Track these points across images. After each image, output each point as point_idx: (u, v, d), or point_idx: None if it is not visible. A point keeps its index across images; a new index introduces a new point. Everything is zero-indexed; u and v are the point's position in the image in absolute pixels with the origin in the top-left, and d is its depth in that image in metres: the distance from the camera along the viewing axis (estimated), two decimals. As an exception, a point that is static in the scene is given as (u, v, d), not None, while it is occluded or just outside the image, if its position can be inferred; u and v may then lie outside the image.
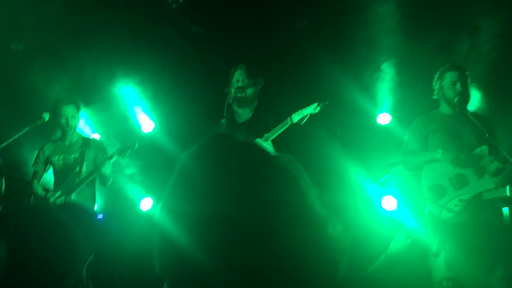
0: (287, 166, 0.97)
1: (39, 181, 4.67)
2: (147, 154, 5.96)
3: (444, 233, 3.77)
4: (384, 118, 5.54)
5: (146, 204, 5.88)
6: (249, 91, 3.87)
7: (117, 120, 6.05)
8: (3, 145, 4.31)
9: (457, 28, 5.03)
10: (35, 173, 4.70)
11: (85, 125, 5.94)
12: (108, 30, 5.60)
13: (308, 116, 3.72)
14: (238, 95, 3.82)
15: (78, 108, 4.71)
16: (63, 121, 4.59)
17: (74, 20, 5.67)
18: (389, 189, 5.08)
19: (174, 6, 5.38)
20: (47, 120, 4.57)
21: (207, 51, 5.60)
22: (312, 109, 3.72)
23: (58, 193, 4.41)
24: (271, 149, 3.58)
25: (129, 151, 4.63)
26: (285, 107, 5.07)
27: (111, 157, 4.54)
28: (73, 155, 4.64)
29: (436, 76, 4.09)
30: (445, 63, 4.22)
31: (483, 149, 3.74)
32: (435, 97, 4.12)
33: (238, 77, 3.87)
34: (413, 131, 4.12)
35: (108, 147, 5.02)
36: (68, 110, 4.61)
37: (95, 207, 4.95)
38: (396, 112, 5.47)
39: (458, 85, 3.91)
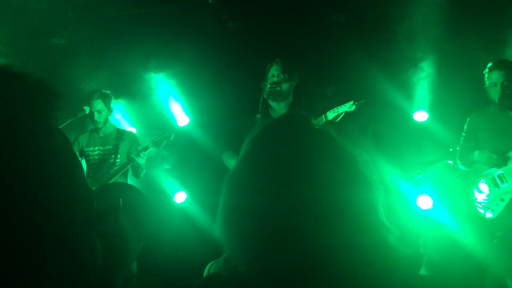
0: (360, 163, 0.96)
1: None
2: (182, 148, 6.04)
3: (485, 232, 3.71)
4: (421, 116, 5.43)
5: (180, 197, 5.98)
6: (284, 86, 3.87)
7: (153, 113, 6.16)
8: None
9: (504, 26, 4.87)
10: None
11: (122, 118, 6.07)
12: (146, 25, 5.70)
13: (343, 114, 3.69)
14: (273, 89, 3.82)
15: (106, 103, 4.74)
16: (90, 114, 4.68)
17: (114, 15, 5.79)
18: (425, 188, 5.00)
19: (210, 1, 5.42)
20: (88, 113, 4.67)
21: (243, 45, 5.63)
22: (347, 107, 3.70)
23: (94, 188, 4.46)
24: None
25: (165, 142, 4.69)
26: (321, 103, 5.05)
27: (146, 148, 4.60)
28: (107, 147, 4.70)
29: (485, 71, 4.04)
30: (488, 61, 4.13)
31: None
32: (489, 92, 4.06)
33: (274, 72, 3.88)
34: (465, 128, 4.14)
35: (144, 138, 5.10)
36: (95, 104, 4.67)
37: None
38: (434, 109, 5.36)
39: (498, 86, 3.86)
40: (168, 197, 5.98)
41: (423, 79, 5.27)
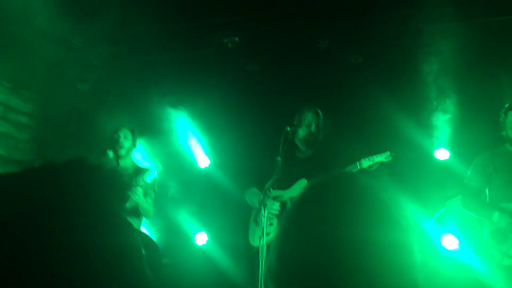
0: (393, 205, 1.02)
1: None
2: (203, 189, 6.08)
3: (507, 281, 3.57)
4: (442, 153, 5.38)
5: (201, 238, 5.96)
6: (319, 136, 3.92)
7: (174, 155, 6.24)
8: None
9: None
10: None
11: (143, 158, 6.17)
12: (169, 69, 5.87)
13: (379, 163, 3.68)
14: (310, 137, 3.85)
15: (132, 133, 4.73)
16: (115, 140, 4.58)
17: (137, 61, 5.98)
18: (449, 227, 4.89)
19: (230, 45, 5.56)
20: (111, 157, 4.65)
21: (262, 88, 5.72)
22: (384, 157, 3.69)
23: None
24: None
25: (147, 173, 4.42)
26: (343, 145, 5.08)
27: (136, 184, 4.38)
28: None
29: (502, 112, 3.96)
30: (508, 99, 4.09)
31: None
32: (503, 133, 3.97)
33: (312, 120, 3.91)
34: (476, 168, 3.99)
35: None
36: (122, 130, 4.66)
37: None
38: (455, 147, 5.31)
39: None
40: (189, 238, 5.98)
41: (445, 117, 5.25)
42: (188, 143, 6.24)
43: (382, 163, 3.65)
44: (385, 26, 5.38)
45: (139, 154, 6.09)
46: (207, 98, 5.86)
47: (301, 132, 3.83)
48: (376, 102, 5.45)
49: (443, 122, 5.28)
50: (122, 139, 4.58)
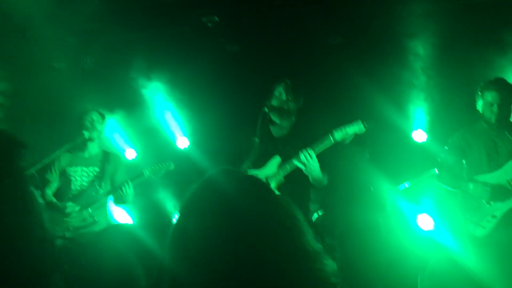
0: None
1: (52, 190, 4.46)
2: (182, 171, 6.05)
3: (480, 252, 3.67)
4: (419, 135, 5.45)
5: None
6: (291, 106, 3.85)
7: (152, 137, 6.19)
8: (44, 162, 4.33)
9: (496, 43, 4.93)
10: (48, 182, 4.46)
11: (120, 139, 6.10)
12: (145, 48, 5.76)
13: (353, 136, 3.56)
14: (279, 109, 3.79)
15: (101, 118, 4.55)
16: (87, 123, 4.42)
17: (114, 39, 5.86)
18: (425, 207, 4.97)
19: (209, 24, 5.49)
20: (81, 141, 4.46)
21: (241, 68, 5.67)
22: (356, 128, 3.57)
23: (78, 208, 4.24)
24: (317, 167, 3.55)
25: (164, 171, 4.46)
26: (319, 123, 5.08)
27: (140, 175, 4.37)
28: (91, 168, 4.43)
29: (478, 90, 4.02)
30: (484, 79, 4.14)
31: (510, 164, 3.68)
32: (478, 108, 4.03)
33: (281, 90, 3.85)
34: (451, 144, 4.08)
35: (142, 164, 5.03)
36: (91, 113, 4.48)
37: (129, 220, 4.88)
38: (433, 130, 5.38)
39: (495, 107, 3.84)
40: (168, 219, 5.96)
41: (423, 99, 5.30)
42: (167, 123, 6.19)
43: (356, 135, 3.53)
44: (365, 7, 5.37)
45: (117, 135, 6.03)
46: (185, 79, 5.80)
47: (273, 103, 3.77)
48: (355, 83, 5.47)
49: (421, 104, 5.34)
50: (88, 125, 4.41)
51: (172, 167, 4.50)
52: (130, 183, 4.25)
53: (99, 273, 1.31)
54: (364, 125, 3.55)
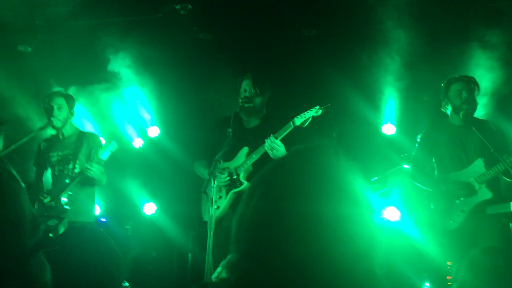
0: (347, 179, 1.03)
1: (41, 180, 4.38)
2: (151, 159, 6.00)
3: (448, 244, 3.79)
4: (388, 129, 5.55)
5: (149, 208, 5.92)
6: (257, 101, 3.86)
7: (121, 124, 6.11)
8: (11, 148, 4.23)
9: (463, 40, 5.05)
10: (37, 172, 4.40)
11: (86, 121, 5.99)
12: (116, 34, 5.65)
13: (310, 118, 3.71)
14: (246, 105, 3.80)
15: (68, 103, 4.32)
16: (48, 110, 4.23)
17: (83, 24, 5.72)
18: (392, 200, 5.09)
19: (182, 12, 5.42)
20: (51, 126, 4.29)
21: (214, 57, 5.63)
22: (314, 112, 3.71)
23: (48, 199, 4.07)
24: (282, 149, 3.61)
25: (108, 152, 4.15)
26: (292, 113, 5.11)
27: (91, 158, 4.16)
28: (66, 151, 4.27)
29: (443, 85, 4.10)
30: (452, 74, 4.23)
31: (478, 162, 3.79)
32: (442, 109, 4.13)
33: (245, 86, 3.86)
34: (420, 142, 4.15)
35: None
36: (56, 100, 4.25)
37: (96, 209, 4.69)
38: (402, 123, 5.48)
39: (464, 93, 3.93)
40: (137, 208, 5.92)
41: (392, 93, 5.39)
42: (137, 112, 6.12)
43: (313, 117, 3.69)
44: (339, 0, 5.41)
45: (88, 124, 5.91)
46: (157, 67, 5.73)
47: (240, 101, 3.80)
48: (326, 75, 5.51)
49: (390, 98, 5.43)
50: (55, 111, 4.21)
51: (115, 147, 4.19)
52: (92, 163, 4.04)
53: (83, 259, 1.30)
54: (320, 108, 3.67)
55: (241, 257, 0.98)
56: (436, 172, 4.07)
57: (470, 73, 4.35)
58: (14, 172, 0.84)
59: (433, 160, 4.08)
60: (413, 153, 4.25)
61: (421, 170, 4.08)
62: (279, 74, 5.52)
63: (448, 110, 4.07)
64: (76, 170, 4.19)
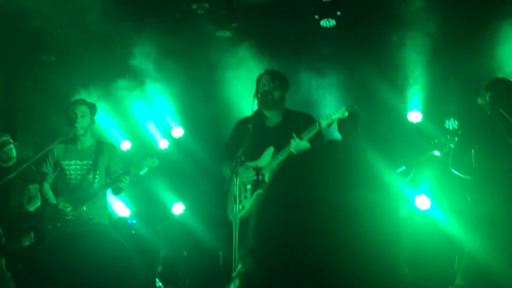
0: (374, 167, 1.01)
1: (49, 183, 4.37)
2: (177, 160, 6.05)
3: (480, 230, 3.70)
4: (415, 116, 5.45)
5: (178, 208, 5.98)
6: (276, 94, 3.89)
7: (146, 126, 6.18)
8: (38, 155, 4.32)
9: (496, 19, 4.89)
10: (45, 175, 4.39)
11: (115, 131, 6.08)
12: (137, 38, 5.70)
13: (335, 120, 3.70)
14: (265, 98, 3.84)
15: (91, 111, 4.37)
16: (72, 118, 4.25)
17: (103, 30, 5.79)
18: (422, 188, 5.00)
19: (199, 11, 5.43)
20: (71, 135, 4.29)
21: (234, 56, 5.60)
22: (340, 114, 3.70)
23: (70, 208, 4.14)
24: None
25: (147, 169, 4.28)
26: (315, 109, 5.07)
27: (128, 172, 4.20)
28: (85, 161, 4.29)
29: (484, 86, 4.02)
30: (476, 58, 4.13)
31: None
32: (480, 100, 4.05)
33: (264, 81, 3.91)
34: (462, 134, 4.10)
35: (137, 153, 4.96)
36: (80, 107, 4.28)
37: (117, 214, 4.74)
38: (428, 110, 5.37)
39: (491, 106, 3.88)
40: (166, 209, 5.98)
41: (418, 80, 5.28)
42: (161, 114, 6.17)
43: (339, 119, 3.68)
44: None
45: (111, 126, 6.00)
46: (179, 69, 5.75)
47: (259, 95, 3.83)
48: (349, 65, 5.45)
49: (416, 84, 5.32)
50: (79, 118, 4.24)
51: (156, 163, 4.32)
52: (122, 179, 4.13)
53: (95, 260, 1.29)
54: (347, 110, 3.64)
55: (262, 245, 0.96)
56: (473, 163, 4.00)
57: (502, 52, 4.22)
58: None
59: (472, 151, 4.02)
60: (452, 145, 4.20)
61: (461, 159, 4.03)
62: (303, 65, 5.49)
63: (485, 101, 4.00)
64: (96, 181, 4.25)
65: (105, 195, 4.38)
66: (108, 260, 1.29)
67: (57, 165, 4.35)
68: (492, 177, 3.77)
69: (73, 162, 4.31)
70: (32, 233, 4.83)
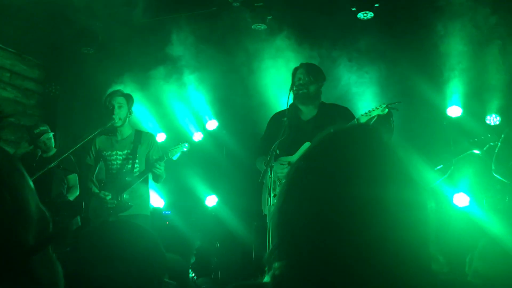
0: (406, 162, 0.98)
1: (93, 175, 4.47)
2: (211, 152, 6.09)
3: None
4: (454, 111, 5.29)
5: (211, 201, 6.02)
6: (312, 88, 3.84)
7: (181, 118, 6.23)
8: (77, 146, 4.42)
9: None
10: (90, 167, 4.50)
11: (150, 124, 6.17)
12: (173, 31, 5.75)
13: (376, 117, 3.61)
14: (300, 91, 3.80)
15: (128, 102, 4.45)
16: (110, 109, 4.34)
17: (140, 24, 5.87)
18: (461, 185, 4.87)
19: (234, 4, 5.42)
20: (109, 125, 4.39)
21: (269, 49, 5.57)
22: (380, 110, 3.61)
23: (109, 196, 4.25)
24: None
25: (179, 153, 4.38)
26: (352, 104, 4.99)
27: (161, 158, 4.31)
28: (125, 151, 4.39)
29: None
30: None
31: None
32: None
33: (299, 75, 3.86)
34: (504, 137, 3.97)
35: (174, 142, 4.98)
36: (117, 99, 4.37)
37: (151, 204, 4.80)
38: (468, 105, 5.21)
39: None
40: (200, 201, 6.03)
41: (457, 74, 5.13)
42: (196, 106, 6.22)
43: (379, 116, 3.58)
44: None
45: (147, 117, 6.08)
46: (214, 62, 5.77)
47: (295, 89, 3.78)
48: (387, 59, 5.34)
49: (455, 79, 5.17)
50: (116, 110, 4.32)
51: (187, 147, 4.42)
52: (157, 165, 4.25)
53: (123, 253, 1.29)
54: (388, 107, 3.55)
55: (291, 242, 0.94)
56: None
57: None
58: (21, 167, 0.83)
59: None
60: (492, 143, 4.06)
61: (505, 164, 3.90)
62: (339, 58, 5.42)
63: None
64: (136, 170, 4.34)
65: (146, 184, 4.48)
66: (137, 251, 1.30)
67: (99, 156, 4.47)
68: None
69: (114, 152, 4.42)
70: (79, 218, 4.98)
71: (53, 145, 5.26)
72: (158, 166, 4.24)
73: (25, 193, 0.79)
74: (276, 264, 0.95)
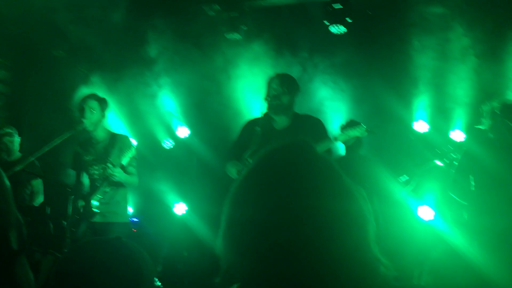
0: (357, 196, 0.99)
1: (81, 184, 4.35)
2: (182, 159, 6.06)
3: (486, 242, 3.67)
4: (421, 126, 5.43)
5: (180, 208, 5.97)
6: (285, 99, 3.84)
7: (152, 124, 6.19)
8: (44, 150, 4.28)
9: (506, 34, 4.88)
10: (75, 176, 4.41)
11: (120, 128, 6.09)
12: (146, 36, 5.72)
13: (354, 138, 3.67)
14: (274, 102, 3.81)
15: (101, 106, 4.30)
16: (81, 113, 4.21)
17: (113, 27, 5.81)
18: (426, 198, 4.97)
19: (210, 13, 5.45)
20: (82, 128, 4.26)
21: (243, 57, 5.61)
22: (359, 133, 3.67)
23: (82, 202, 4.11)
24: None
25: (128, 159, 4.15)
26: (323, 113, 5.05)
27: (117, 164, 4.12)
28: (98, 156, 4.26)
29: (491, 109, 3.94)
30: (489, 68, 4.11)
31: None
32: (481, 125, 3.99)
33: (274, 85, 3.87)
34: (461, 163, 4.06)
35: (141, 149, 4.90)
36: (89, 102, 4.24)
37: (129, 210, 4.69)
38: (434, 120, 5.36)
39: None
40: (168, 208, 5.98)
41: (425, 89, 5.27)
42: (167, 113, 6.18)
43: (357, 138, 3.66)
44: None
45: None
46: (186, 68, 5.77)
47: (269, 99, 3.80)
48: (357, 71, 5.44)
49: (422, 94, 5.31)
50: (87, 113, 4.20)
51: (133, 152, 4.21)
52: (115, 169, 4.04)
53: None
54: (367, 131, 3.67)
55: (241, 263, 0.95)
56: (473, 188, 3.94)
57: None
58: (3, 173, 0.83)
59: (471, 177, 3.95)
60: (453, 171, 4.16)
61: (460, 187, 3.98)
62: (309, 72, 5.49)
63: (485, 125, 3.93)
64: (108, 173, 4.15)
65: (125, 190, 4.33)
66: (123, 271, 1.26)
67: (80, 163, 4.34)
68: (489, 207, 3.72)
69: (88, 157, 4.30)
70: (51, 225, 4.79)
71: (17, 149, 5.13)
72: (111, 172, 4.03)
73: (9, 196, 0.78)
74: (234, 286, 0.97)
